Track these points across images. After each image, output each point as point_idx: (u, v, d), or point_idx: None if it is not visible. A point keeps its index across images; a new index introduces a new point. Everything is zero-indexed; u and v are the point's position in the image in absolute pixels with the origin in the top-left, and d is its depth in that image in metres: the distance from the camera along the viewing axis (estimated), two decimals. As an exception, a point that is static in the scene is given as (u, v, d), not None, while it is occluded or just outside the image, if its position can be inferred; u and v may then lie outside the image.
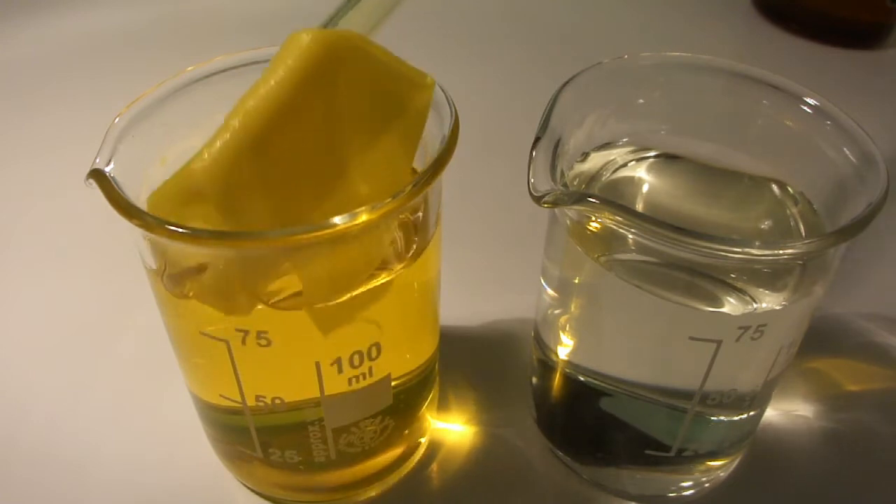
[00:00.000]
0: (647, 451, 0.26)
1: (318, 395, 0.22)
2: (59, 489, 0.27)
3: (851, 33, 0.53)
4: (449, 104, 0.21)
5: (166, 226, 0.18)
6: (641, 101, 0.26)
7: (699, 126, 0.26)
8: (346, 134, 0.19)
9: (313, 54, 0.18)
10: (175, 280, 0.21)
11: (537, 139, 0.22)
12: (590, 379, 0.25)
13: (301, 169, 0.19)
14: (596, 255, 0.22)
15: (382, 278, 0.21)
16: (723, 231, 0.24)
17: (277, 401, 0.22)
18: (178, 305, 0.22)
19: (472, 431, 0.29)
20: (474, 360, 0.32)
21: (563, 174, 0.22)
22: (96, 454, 0.28)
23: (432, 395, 0.27)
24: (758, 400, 0.25)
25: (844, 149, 0.22)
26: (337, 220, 0.18)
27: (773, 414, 0.30)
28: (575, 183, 0.24)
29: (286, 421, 0.23)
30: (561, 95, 0.23)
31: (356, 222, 0.18)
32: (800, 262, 0.22)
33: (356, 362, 0.22)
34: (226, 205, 0.18)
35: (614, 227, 0.20)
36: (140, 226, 0.18)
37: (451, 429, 0.29)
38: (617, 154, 0.26)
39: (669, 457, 0.26)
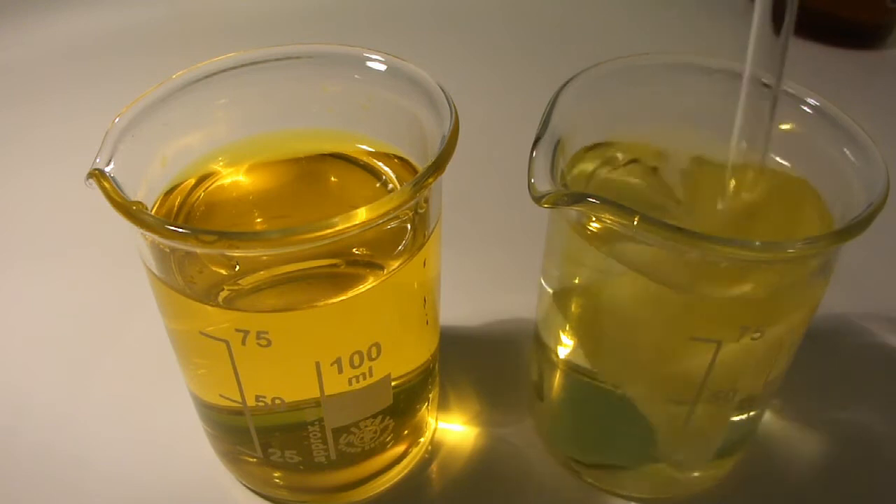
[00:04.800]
0: (647, 451, 0.26)
1: (318, 395, 0.22)
2: (59, 488, 0.27)
3: (851, 33, 0.53)
4: (449, 104, 0.21)
5: (166, 226, 0.18)
6: (641, 101, 0.25)
7: (699, 126, 0.26)
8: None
9: None
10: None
11: (537, 139, 0.22)
12: (590, 379, 0.25)
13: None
14: (596, 256, 0.22)
15: (383, 278, 0.21)
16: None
17: (277, 401, 0.22)
18: (178, 306, 0.22)
19: (472, 431, 0.29)
20: (474, 360, 0.32)
21: (563, 174, 0.22)
22: (96, 453, 0.28)
23: (432, 395, 0.27)
24: (758, 400, 0.25)
25: (844, 149, 0.22)
26: (336, 219, 0.18)
27: (773, 414, 0.30)
28: (573, 172, 0.24)
29: (286, 421, 0.23)
30: (561, 95, 0.23)
31: (355, 222, 0.18)
32: (800, 262, 0.22)
33: (356, 362, 0.22)
34: None
35: (614, 227, 0.20)
36: (140, 226, 0.18)
37: (451, 429, 0.29)
38: (616, 152, 0.26)
39: (669, 457, 0.26)
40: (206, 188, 0.24)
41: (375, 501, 0.27)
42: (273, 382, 0.22)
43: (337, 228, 0.18)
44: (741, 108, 0.22)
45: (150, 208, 0.22)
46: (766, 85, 0.22)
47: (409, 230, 0.22)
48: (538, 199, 0.20)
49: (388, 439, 0.25)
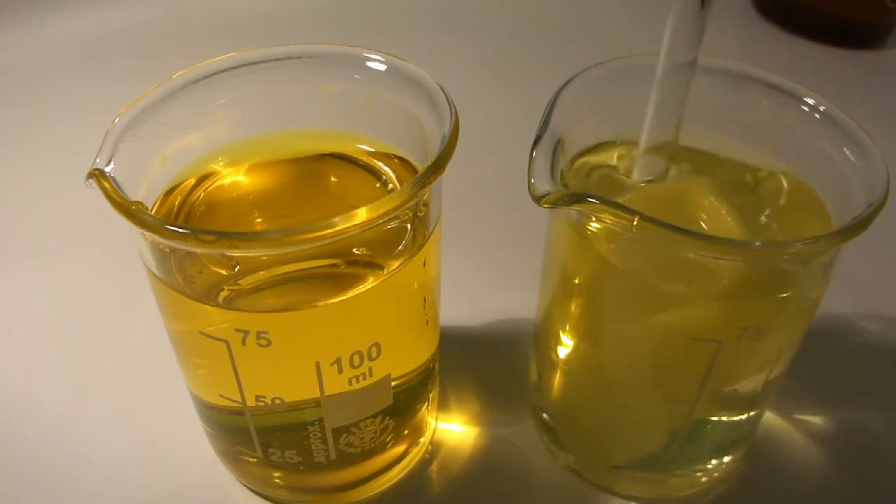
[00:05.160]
0: (647, 451, 0.26)
1: (318, 395, 0.22)
2: (60, 488, 0.27)
3: (851, 33, 0.53)
4: (449, 104, 0.21)
5: (166, 226, 0.18)
6: (641, 101, 0.25)
7: (699, 126, 0.26)
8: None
9: None
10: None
11: (537, 139, 0.22)
12: (589, 379, 0.25)
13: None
14: (596, 255, 0.22)
15: (383, 278, 0.21)
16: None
17: (277, 401, 0.22)
18: (178, 306, 0.22)
19: (472, 431, 0.29)
20: (474, 360, 0.32)
21: (563, 174, 0.22)
22: (96, 453, 0.28)
23: (432, 395, 0.27)
24: (758, 400, 0.25)
25: (844, 149, 0.22)
26: (336, 219, 0.18)
27: (773, 414, 0.30)
28: (575, 166, 0.24)
29: (286, 421, 0.23)
30: (561, 95, 0.23)
31: (355, 222, 0.18)
32: (800, 262, 0.22)
33: (356, 362, 0.22)
34: None
35: (614, 227, 0.20)
36: (140, 226, 0.18)
37: (451, 429, 0.29)
38: (616, 151, 0.26)
39: (669, 457, 0.26)
40: (206, 188, 0.24)
41: (375, 501, 0.27)
42: (273, 382, 0.22)
43: (337, 228, 0.18)
44: (658, 82, 0.22)
45: (150, 208, 0.22)
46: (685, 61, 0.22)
47: (409, 230, 0.22)
48: (538, 199, 0.20)
49: (388, 439, 0.25)
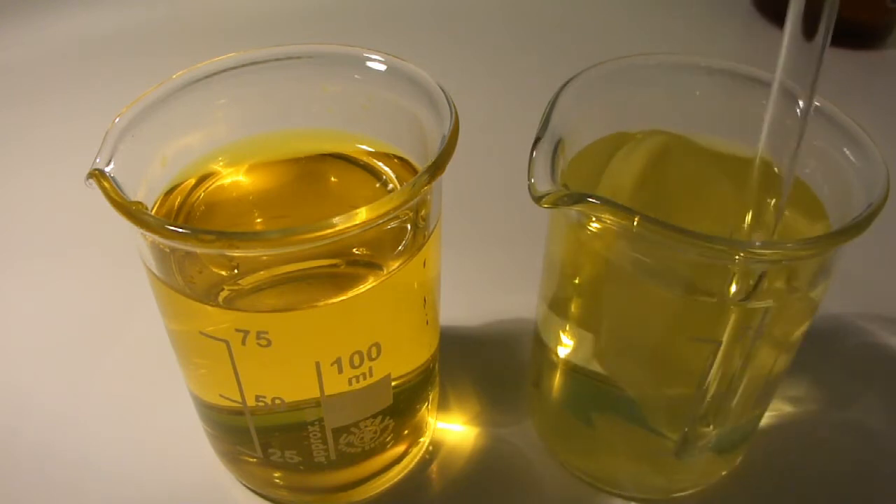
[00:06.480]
0: (648, 452, 0.26)
1: (318, 395, 0.22)
2: (59, 488, 0.27)
3: (851, 33, 0.53)
4: (449, 104, 0.21)
5: (166, 226, 0.18)
6: (641, 101, 0.25)
7: (699, 126, 0.26)
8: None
9: None
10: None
11: (537, 139, 0.22)
12: (590, 379, 0.25)
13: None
14: (596, 255, 0.22)
15: (383, 278, 0.21)
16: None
17: (277, 401, 0.22)
18: (178, 306, 0.22)
19: (472, 432, 0.29)
20: (474, 360, 0.32)
21: (563, 174, 0.22)
22: (96, 453, 0.28)
23: (432, 395, 0.27)
24: (758, 400, 0.25)
25: (844, 149, 0.22)
26: (336, 219, 0.18)
27: (773, 414, 0.30)
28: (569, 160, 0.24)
29: (286, 421, 0.23)
30: (561, 95, 0.23)
31: (355, 222, 0.18)
32: (800, 262, 0.22)
33: (356, 362, 0.22)
34: None
35: (614, 227, 0.20)
36: (140, 226, 0.18)
37: (451, 429, 0.29)
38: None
39: (669, 457, 0.26)
40: (206, 188, 0.24)
41: (375, 501, 0.27)
42: (273, 382, 0.22)
43: (337, 228, 0.18)
44: (768, 123, 0.21)
45: (150, 208, 0.22)
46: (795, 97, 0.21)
47: (409, 230, 0.22)
48: (538, 199, 0.20)
49: (388, 439, 0.25)
